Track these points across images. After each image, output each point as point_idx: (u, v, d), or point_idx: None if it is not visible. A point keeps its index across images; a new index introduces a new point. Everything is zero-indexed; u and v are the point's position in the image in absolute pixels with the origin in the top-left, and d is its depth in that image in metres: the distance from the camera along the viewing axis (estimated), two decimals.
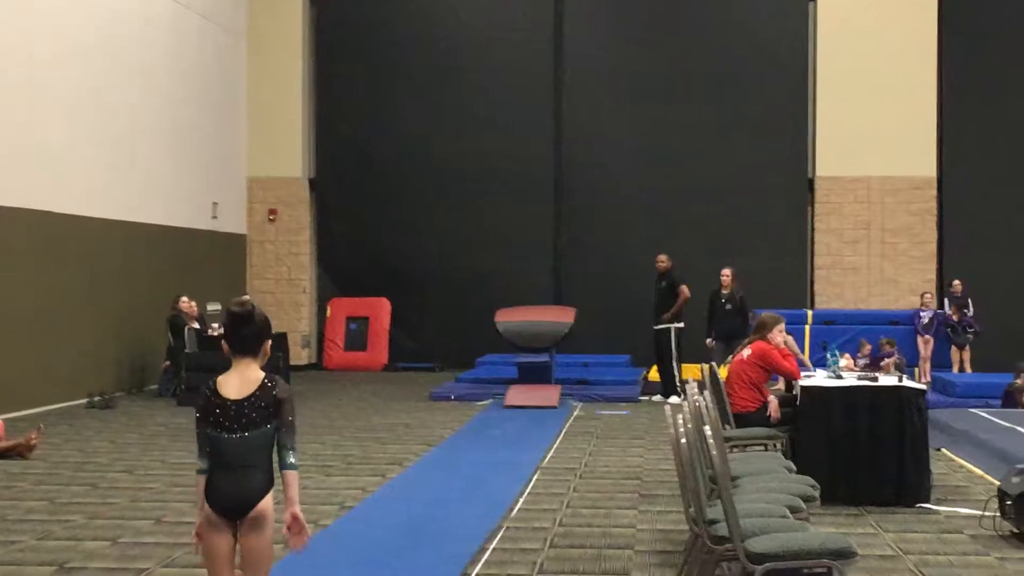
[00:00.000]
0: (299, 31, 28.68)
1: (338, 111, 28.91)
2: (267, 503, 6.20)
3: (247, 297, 7.14)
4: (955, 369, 24.19)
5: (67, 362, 20.44)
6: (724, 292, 21.70)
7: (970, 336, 24.42)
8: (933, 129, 27.56)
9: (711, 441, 7.46)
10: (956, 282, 25.09)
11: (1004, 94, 27.48)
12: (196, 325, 22.36)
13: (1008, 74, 27.51)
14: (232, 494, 6.12)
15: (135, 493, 12.28)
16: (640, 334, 23.27)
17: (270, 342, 6.44)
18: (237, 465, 6.10)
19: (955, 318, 24.43)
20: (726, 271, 21.86)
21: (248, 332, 6.25)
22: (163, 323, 22.34)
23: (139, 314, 22.73)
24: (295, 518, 6.17)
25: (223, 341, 6.39)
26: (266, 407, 6.12)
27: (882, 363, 20.99)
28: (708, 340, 21.49)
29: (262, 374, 6.22)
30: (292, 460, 6.17)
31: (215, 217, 26.68)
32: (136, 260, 22.93)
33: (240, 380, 6.16)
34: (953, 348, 24.47)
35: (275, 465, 6.28)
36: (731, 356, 15.12)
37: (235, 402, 6.09)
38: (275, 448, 6.21)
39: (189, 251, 25.09)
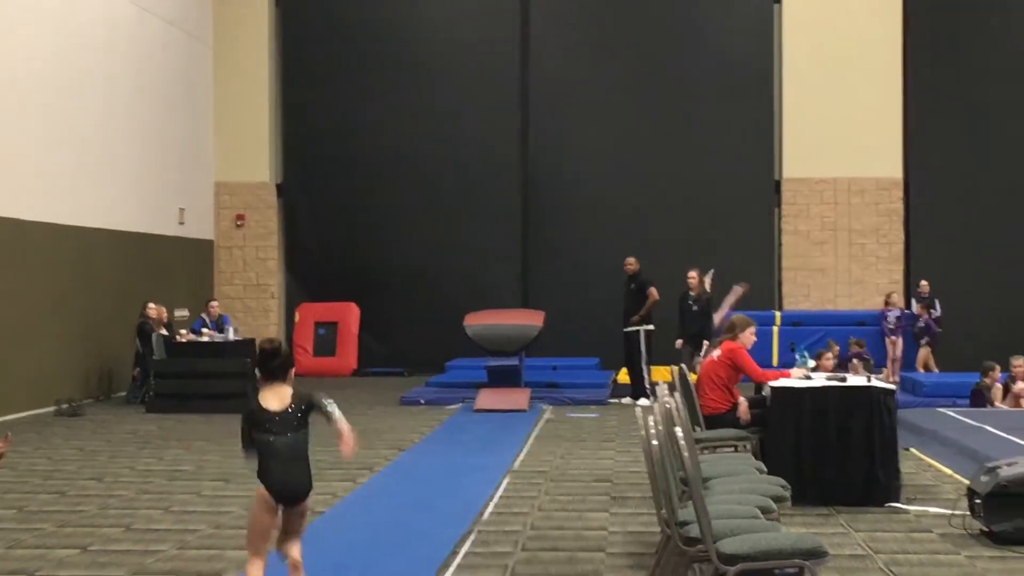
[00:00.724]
0: (265, 36, 28.62)
1: (305, 116, 28.86)
2: (310, 497, 8.04)
3: (275, 337, 9.25)
4: (920, 368, 24.32)
5: (34, 369, 20.33)
6: (692, 294, 21.70)
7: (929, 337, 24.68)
8: (899, 130, 27.71)
9: (682, 443, 7.47)
10: (923, 282, 25.23)
11: (969, 95, 27.63)
12: (164, 332, 22.30)
13: (972, 75, 27.66)
14: (290, 484, 7.83)
15: (104, 500, 12.22)
16: (609, 337, 23.29)
17: (294, 369, 8.11)
18: (289, 459, 7.82)
19: (924, 317, 24.54)
20: (692, 273, 21.86)
21: (276, 364, 7.96)
22: (131, 330, 22.24)
23: (106, 321, 22.64)
24: (344, 435, 7.98)
25: (256, 370, 8.24)
26: (304, 411, 7.90)
27: (850, 364, 21.05)
28: (677, 342, 21.51)
29: (291, 390, 7.93)
30: (330, 408, 7.97)
31: (182, 223, 26.58)
32: (103, 267, 22.83)
33: (277, 397, 7.88)
34: (921, 348, 24.60)
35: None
36: (699, 357, 15.20)
37: (279, 413, 7.83)
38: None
39: (156, 257, 24.99)
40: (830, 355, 22.18)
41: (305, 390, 8.01)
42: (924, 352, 24.61)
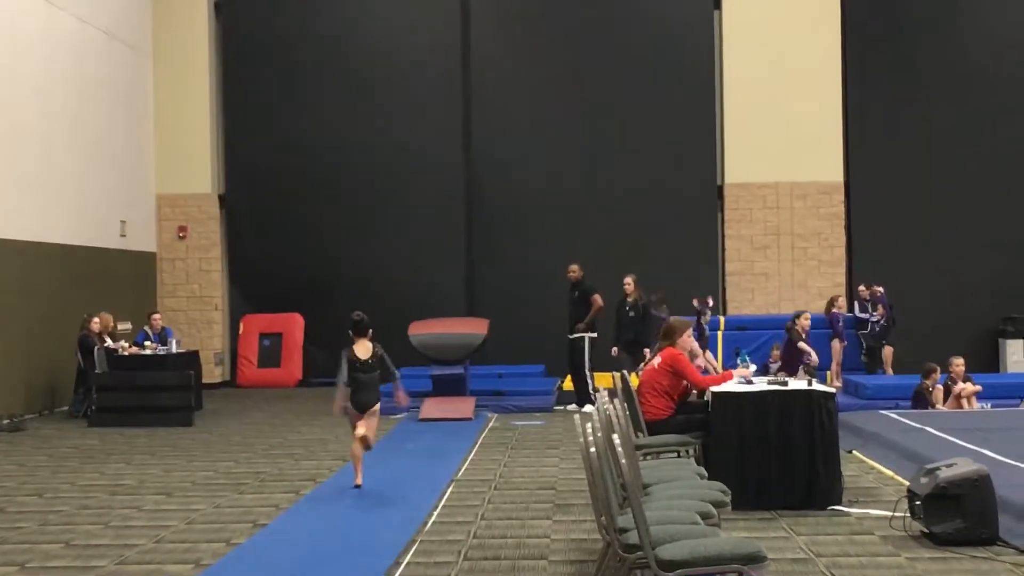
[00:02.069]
0: (205, 46, 28.46)
1: (246, 126, 28.74)
2: (378, 405, 13.57)
3: (359, 311, 13.92)
4: (889, 369, 24.49)
5: None
6: (628, 300, 21.72)
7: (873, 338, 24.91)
8: (840, 135, 27.90)
9: (620, 450, 7.46)
10: (862, 287, 25.42)
11: (908, 99, 27.88)
12: (109, 342, 22.15)
13: (912, 79, 27.91)
14: (366, 401, 13.42)
15: (44, 516, 12.11)
16: (554, 344, 23.34)
17: (371, 330, 13.54)
18: (369, 387, 13.41)
19: (885, 315, 24.67)
20: (628, 279, 21.86)
21: (362, 328, 13.53)
22: (72, 343, 22.06)
23: (48, 335, 22.46)
24: (400, 393, 14.28)
25: (350, 331, 13.58)
26: (379, 359, 13.43)
27: (805, 359, 21.19)
28: (613, 349, 21.55)
29: (371, 344, 13.42)
30: (393, 369, 13.68)
31: (124, 235, 26.40)
32: (43, 280, 22.65)
33: (363, 349, 13.42)
34: (885, 347, 24.75)
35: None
36: (643, 364, 15.21)
37: (363, 360, 13.37)
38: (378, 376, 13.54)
39: (98, 270, 24.80)
40: (776, 354, 22.46)
41: (380, 348, 13.47)
42: (889, 351, 24.74)
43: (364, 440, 13.29)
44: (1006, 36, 28.04)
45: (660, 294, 22.54)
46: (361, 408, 13.33)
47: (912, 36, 28.05)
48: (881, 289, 25.01)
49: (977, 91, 27.89)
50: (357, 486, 13.31)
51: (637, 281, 21.84)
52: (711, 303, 24.33)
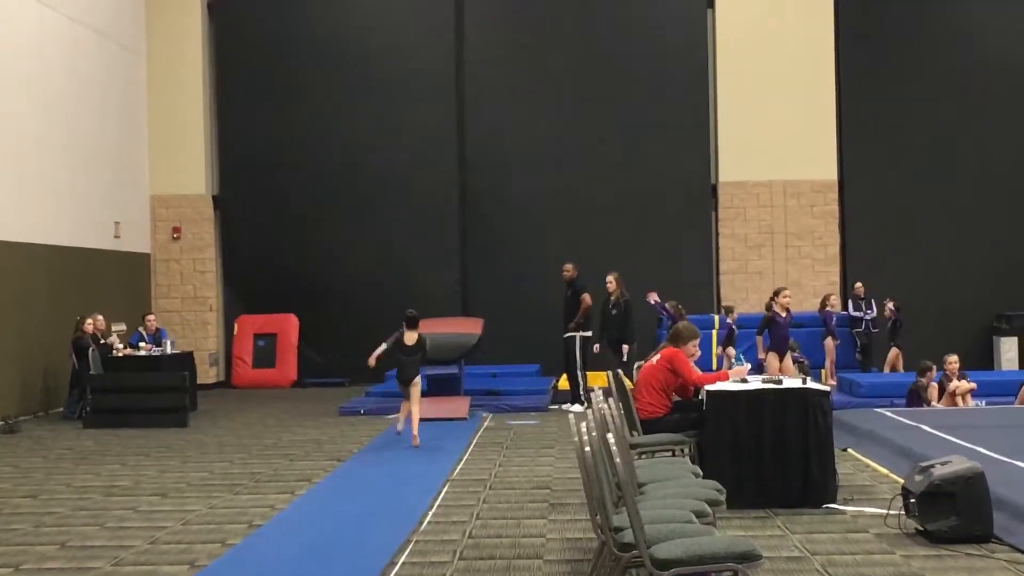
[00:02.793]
0: (199, 46, 28.45)
1: (240, 126, 28.73)
2: (418, 378, 16.94)
3: (413, 309, 17.46)
4: (887, 369, 24.45)
5: None
6: (611, 298, 21.71)
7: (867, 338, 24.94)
8: (833, 133, 27.95)
9: (615, 449, 7.47)
10: (859, 284, 25.45)
11: (902, 97, 27.93)
12: (105, 341, 22.15)
13: (905, 78, 27.97)
14: (407, 377, 16.88)
15: (39, 518, 12.10)
16: (550, 343, 23.33)
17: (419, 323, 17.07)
18: (410, 366, 16.92)
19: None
20: (610, 277, 21.79)
21: (413, 321, 17.04)
22: (67, 345, 22.04)
23: (42, 336, 22.45)
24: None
25: (404, 322, 17.19)
26: (421, 345, 16.91)
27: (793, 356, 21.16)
28: (595, 346, 21.56)
29: (417, 334, 16.85)
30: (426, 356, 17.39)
31: (118, 236, 26.38)
32: (38, 282, 22.65)
33: (411, 337, 16.84)
34: (892, 348, 24.70)
35: None
36: (637, 363, 15.21)
37: (409, 346, 16.83)
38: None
39: (92, 272, 24.80)
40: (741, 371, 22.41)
41: (424, 338, 17.04)
42: (895, 353, 24.69)
43: (409, 410, 17.13)
44: (999, 33, 28.07)
45: (676, 304, 22.69)
46: (405, 382, 17.09)
47: (905, 34, 28.10)
48: (860, 288, 25.03)
49: (971, 90, 27.95)
50: (398, 432, 17.51)
51: (619, 279, 21.77)
52: (664, 304, 23.88)
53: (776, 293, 21.09)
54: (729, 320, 24.45)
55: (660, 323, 24.39)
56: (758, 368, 19.52)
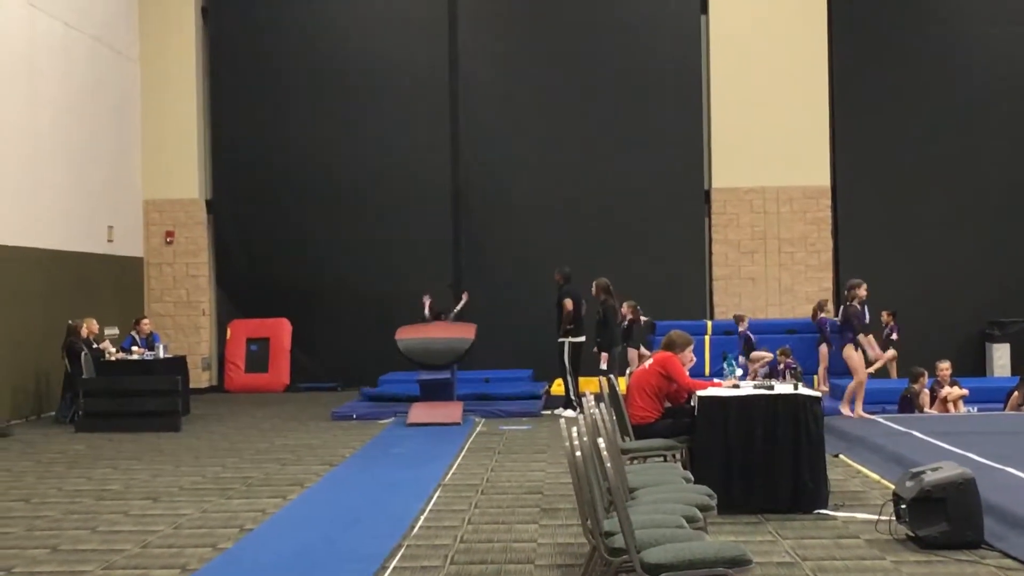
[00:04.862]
0: (192, 51, 28.45)
1: (234, 131, 28.72)
2: None
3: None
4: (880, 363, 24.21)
5: None
6: (598, 304, 21.80)
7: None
8: (826, 139, 27.97)
9: (605, 453, 7.48)
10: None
11: (895, 104, 27.95)
12: (97, 345, 22.14)
13: (898, 83, 27.97)
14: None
15: (30, 522, 12.09)
16: (542, 348, 23.37)
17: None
18: None
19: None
20: (594, 283, 21.93)
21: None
22: (60, 349, 22.02)
23: (35, 340, 22.44)
24: None
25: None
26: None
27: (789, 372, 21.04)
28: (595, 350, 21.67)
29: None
30: None
31: (111, 240, 26.38)
32: (30, 285, 22.63)
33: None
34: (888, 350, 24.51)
35: None
36: (629, 368, 15.23)
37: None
38: None
39: (85, 275, 24.78)
40: (766, 359, 22.43)
41: None
42: (891, 353, 24.52)
43: None
44: (992, 42, 28.08)
45: (633, 305, 22.81)
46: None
47: (899, 41, 28.12)
48: (892, 321, 24.67)
49: (964, 96, 27.97)
50: None
51: (602, 285, 21.80)
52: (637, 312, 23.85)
53: (855, 286, 20.07)
54: (740, 328, 24.43)
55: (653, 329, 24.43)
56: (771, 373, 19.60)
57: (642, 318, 23.61)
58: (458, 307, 24.93)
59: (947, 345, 25.21)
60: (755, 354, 23.63)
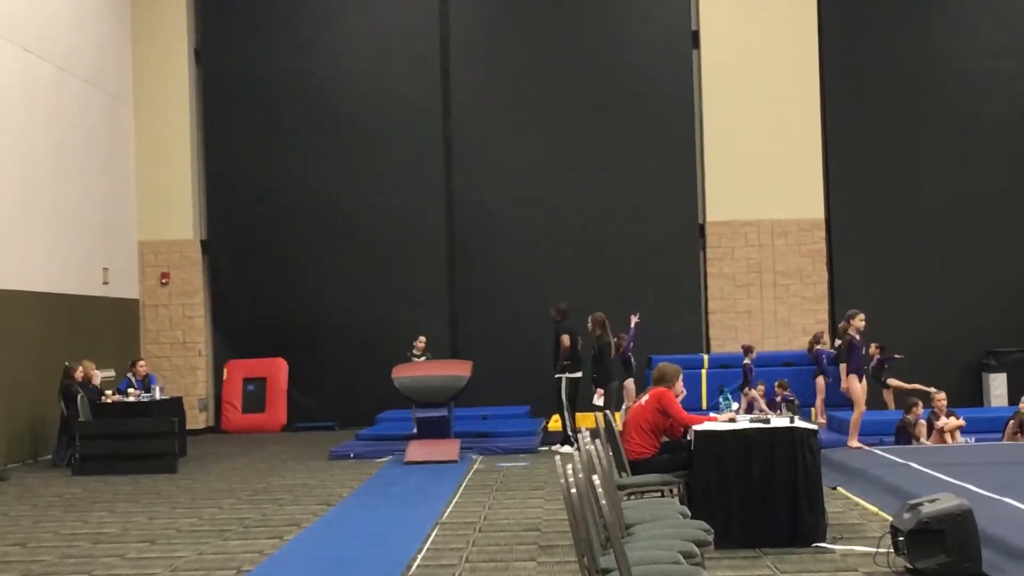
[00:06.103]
0: (186, 93, 28.52)
1: (228, 172, 28.76)
2: None
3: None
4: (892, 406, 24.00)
5: None
6: (592, 340, 21.84)
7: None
8: (819, 172, 28.03)
9: (600, 490, 7.46)
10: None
11: (888, 136, 28.03)
12: (96, 385, 22.13)
13: (891, 116, 28.06)
14: None
15: (27, 567, 12.05)
16: (539, 384, 23.33)
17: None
18: None
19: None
20: (589, 318, 21.99)
21: None
22: (56, 392, 21.99)
23: (31, 383, 22.40)
24: None
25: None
26: None
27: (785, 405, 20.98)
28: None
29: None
30: None
31: (106, 283, 26.37)
32: (26, 329, 22.61)
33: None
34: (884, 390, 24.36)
35: None
36: (627, 403, 15.22)
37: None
38: None
39: (81, 318, 24.77)
40: (761, 390, 22.36)
41: None
42: (888, 394, 24.36)
43: None
44: (982, 74, 28.17)
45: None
46: None
47: (892, 73, 28.21)
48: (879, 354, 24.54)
49: (958, 127, 28.05)
50: None
51: (598, 320, 21.84)
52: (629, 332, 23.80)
53: (852, 317, 20.12)
54: (747, 360, 24.31)
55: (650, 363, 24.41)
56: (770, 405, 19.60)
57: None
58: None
59: (944, 375, 25.18)
60: (747, 391, 23.53)
